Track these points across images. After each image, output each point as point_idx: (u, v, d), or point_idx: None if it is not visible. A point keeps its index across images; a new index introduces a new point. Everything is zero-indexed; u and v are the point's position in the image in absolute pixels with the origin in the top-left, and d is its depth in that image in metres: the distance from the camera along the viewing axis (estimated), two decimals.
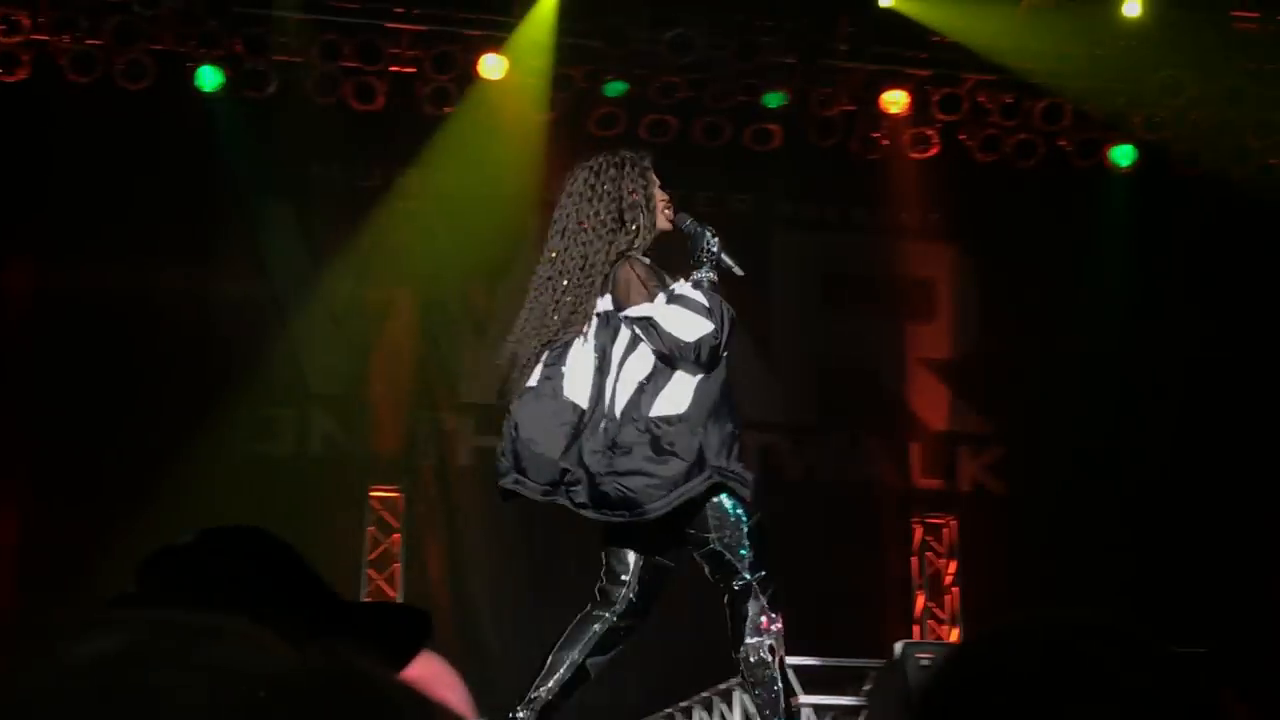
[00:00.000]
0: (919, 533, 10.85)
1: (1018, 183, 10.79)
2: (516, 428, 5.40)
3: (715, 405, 5.23)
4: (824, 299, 11.22)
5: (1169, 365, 10.60)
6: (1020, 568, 9.93)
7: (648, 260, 5.36)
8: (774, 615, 5.25)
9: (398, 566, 10.24)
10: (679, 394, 5.21)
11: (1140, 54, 10.08)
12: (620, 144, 10.22)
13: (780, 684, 5.30)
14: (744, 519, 5.23)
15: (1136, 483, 10.35)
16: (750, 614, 5.24)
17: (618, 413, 5.23)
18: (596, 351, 5.32)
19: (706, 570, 5.33)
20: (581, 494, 5.25)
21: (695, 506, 5.19)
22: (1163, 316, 10.67)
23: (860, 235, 11.31)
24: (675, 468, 5.13)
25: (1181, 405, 10.57)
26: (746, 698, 8.47)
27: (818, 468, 10.99)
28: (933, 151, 10.73)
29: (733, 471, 5.17)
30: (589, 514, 5.32)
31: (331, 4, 9.84)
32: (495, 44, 10.02)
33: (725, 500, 5.20)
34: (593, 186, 5.45)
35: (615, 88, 10.27)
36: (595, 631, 5.42)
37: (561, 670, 5.40)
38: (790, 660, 8.30)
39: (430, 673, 1.96)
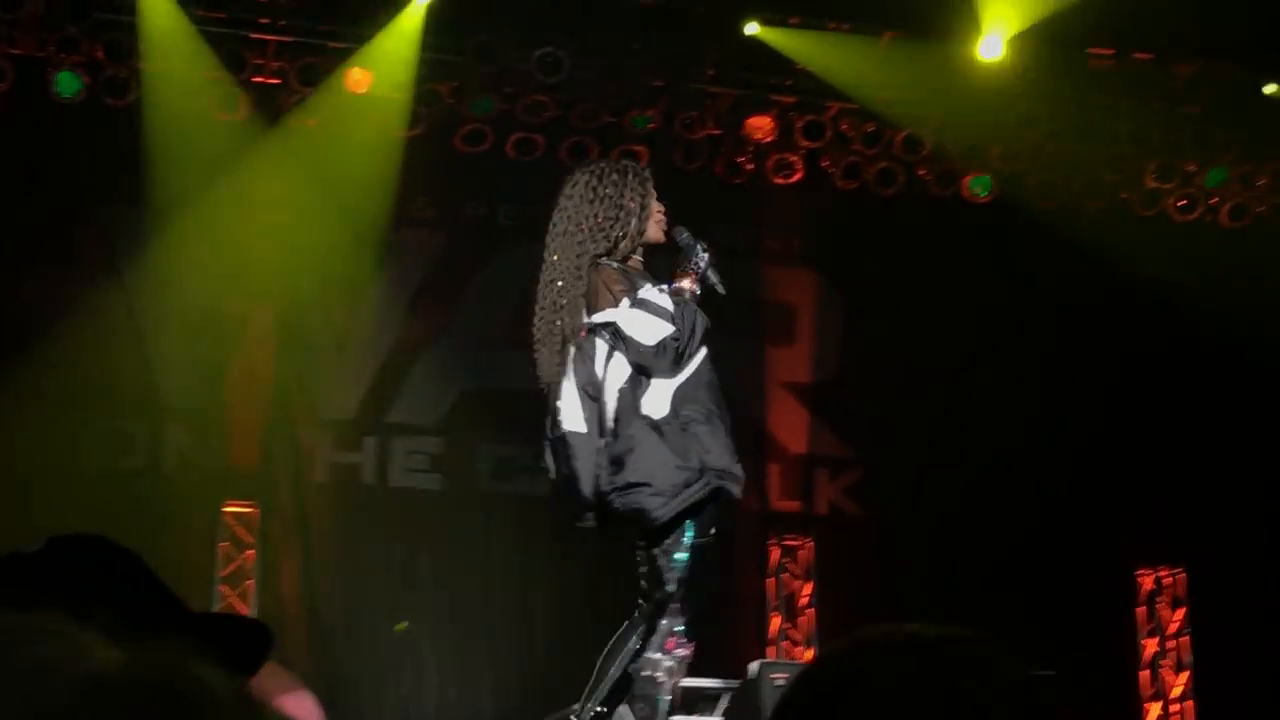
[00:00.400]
0: (776, 554, 10.94)
1: (879, 210, 10.92)
2: (551, 482, 5.51)
3: (705, 406, 5.25)
4: None
5: (1024, 390, 10.79)
6: (876, 589, 10.05)
7: (616, 265, 5.43)
8: (684, 640, 5.22)
9: (251, 583, 10.10)
10: (660, 396, 5.23)
11: (998, 88, 10.27)
12: (485, 161, 10.34)
13: (663, 707, 5.26)
14: (690, 534, 5.22)
15: (990, 504, 10.51)
16: (660, 630, 5.22)
17: (612, 425, 5.28)
18: (578, 376, 5.36)
19: (640, 572, 5.32)
20: (592, 516, 5.33)
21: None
22: (1019, 342, 10.87)
23: (723, 259, 11.34)
24: (672, 472, 5.16)
25: (1035, 429, 10.77)
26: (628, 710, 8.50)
27: None
28: (796, 177, 10.85)
29: (731, 473, 5.17)
30: (608, 532, 5.39)
31: (197, 13, 9.70)
32: (361, 58, 9.95)
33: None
34: (594, 190, 5.54)
35: (482, 105, 10.25)
36: (633, 643, 5.39)
37: (605, 683, 5.34)
38: None
39: (278, 685, 1.95)
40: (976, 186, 10.89)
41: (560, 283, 5.44)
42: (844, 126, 10.73)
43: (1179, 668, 11.14)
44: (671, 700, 5.23)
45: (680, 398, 5.23)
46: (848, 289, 11.29)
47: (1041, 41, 10.09)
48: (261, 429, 10.39)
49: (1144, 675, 11.15)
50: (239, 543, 10.16)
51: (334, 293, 10.51)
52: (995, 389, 10.73)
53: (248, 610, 9.89)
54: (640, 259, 5.57)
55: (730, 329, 11.10)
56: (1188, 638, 11.13)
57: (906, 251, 10.87)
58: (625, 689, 5.38)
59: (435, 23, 9.82)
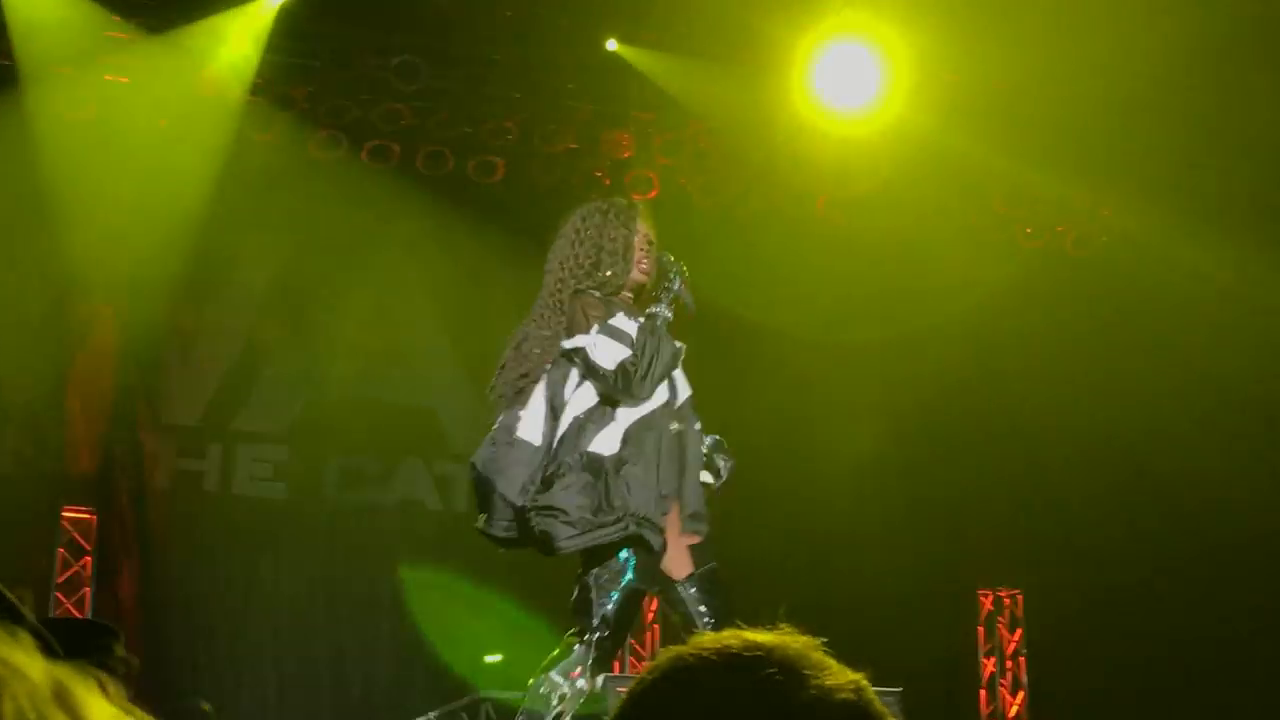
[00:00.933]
0: None
1: (736, 227, 11.01)
2: (474, 469, 5.49)
3: (653, 451, 5.27)
4: None
5: (866, 405, 10.93)
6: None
7: (599, 294, 5.46)
8: (587, 675, 5.22)
9: (88, 590, 9.90)
10: (612, 434, 5.26)
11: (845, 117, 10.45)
12: (353, 167, 10.24)
13: None
14: (629, 574, 5.24)
15: (838, 516, 10.62)
16: (572, 657, 5.22)
17: (555, 447, 5.32)
18: (548, 390, 5.41)
19: (573, 594, 5.31)
20: (509, 528, 5.35)
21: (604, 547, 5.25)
22: (863, 360, 10.99)
23: None
24: (592, 508, 5.18)
25: (881, 443, 10.91)
26: None
27: None
28: (652, 194, 10.90)
29: (650, 521, 5.19)
30: (516, 545, 5.41)
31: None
32: (212, 58, 9.80)
33: (624, 550, 5.25)
34: (577, 230, 5.63)
35: (337, 111, 10.16)
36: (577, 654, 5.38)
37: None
38: (491, 695, 8.35)
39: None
40: (831, 208, 11.03)
41: (536, 318, 5.56)
42: (702, 144, 10.81)
43: (1015, 687, 11.38)
44: None
45: (628, 437, 5.27)
46: (707, 301, 11.32)
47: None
48: (102, 433, 10.20)
49: (983, 694, 11.37)
50: (76, 549, 9.96)
51: (182, 298, 10.35)
52: (842, 403, 10.84)
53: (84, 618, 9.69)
54: (630, 294, 5.63)
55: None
56: (1024, 658, 11.37)
57: (765, 266, 10.96)
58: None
59: (289, 26, 9.72)
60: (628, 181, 10.83)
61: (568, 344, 5.39)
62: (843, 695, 1.36)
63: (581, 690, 5.22)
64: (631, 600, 5.28)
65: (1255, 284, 10.14)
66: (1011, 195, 10.97)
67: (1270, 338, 10.20)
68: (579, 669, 5.22)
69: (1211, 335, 10.40)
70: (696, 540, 5.43)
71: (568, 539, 5.18)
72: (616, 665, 10.53)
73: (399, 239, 11.01)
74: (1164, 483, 10.71)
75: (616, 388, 5.26)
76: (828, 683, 1.36)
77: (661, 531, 5.23)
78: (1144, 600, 10.72)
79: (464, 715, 8.52)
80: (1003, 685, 11.41)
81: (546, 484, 5.26)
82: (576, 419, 5.31)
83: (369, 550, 10.54)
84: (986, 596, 11.54)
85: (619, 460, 5.23)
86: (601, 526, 5.17)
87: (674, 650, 1.41)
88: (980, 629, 11.49)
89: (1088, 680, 10.75)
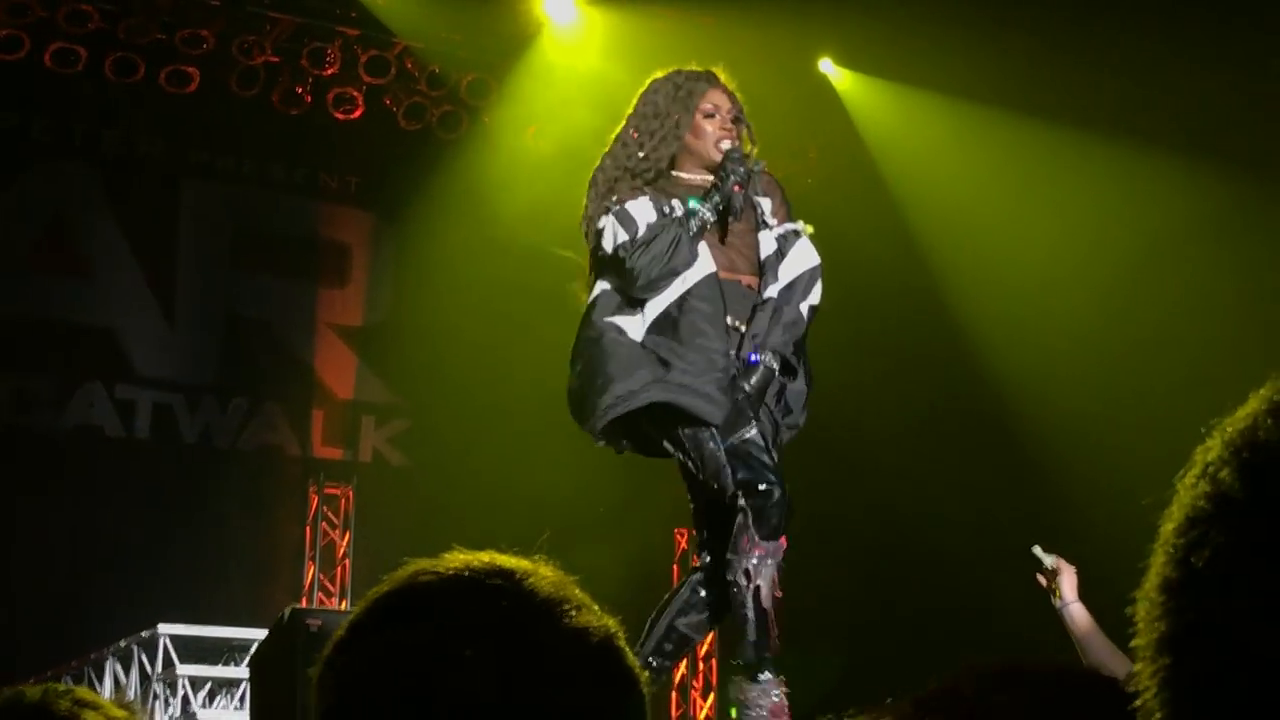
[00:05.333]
0: (315, 502, 10.91)
1: (440, 153, 10.98)
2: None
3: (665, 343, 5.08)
4: (233, 256, 11.11)
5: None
6: (417, 542, 10.11)
7: (631, 176, 5.22)
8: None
9: None
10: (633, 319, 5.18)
11: (569, 46, 10.51)
12: (18, 70, 9.85)
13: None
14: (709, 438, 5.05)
15: (539, 464, 10.72)
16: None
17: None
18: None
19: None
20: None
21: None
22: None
23: (276, 193, 11.26)
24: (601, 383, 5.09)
25: None
26: (119, 668, 8.32)
27: (215, 431, 10.87)
28: (357, 114, 10.80)
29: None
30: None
31: None
32: None
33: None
34: (644, 99, 5.35)
35: (19, 9, 9.76)
36: (681, 595, 5.22)
37: (656, 634, 5.16)
38: (169, 630, 8.25)
39: None
40: (541, 139, 11.08)
41: (588, 197, 5.34)
42: (409, 65, 10.74)
43: (706, 690, 11.60)
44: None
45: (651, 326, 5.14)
46: (404, 232, 11.32)
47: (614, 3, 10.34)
48: None
49: (674, 696, 11.49)
50: None
51: None
52: (556, 343, 10.92)
53: None
54: (689, 175, 5.30)
55: (280, 268, 11.17)
56: (716, 660, 11.44)
57: (467, 197, 10.95)
58: (684, 641, 5.27)
59: None
60: (330, 100, 10.70)
61: (589, 225, 5.28)
62: (597, 636, 1.33)
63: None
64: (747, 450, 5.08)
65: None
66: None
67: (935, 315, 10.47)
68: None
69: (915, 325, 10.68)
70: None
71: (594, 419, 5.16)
72: (305, 603, 10.53)
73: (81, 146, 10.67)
74: (861, 471, 10.85)
75: (617, 274, 5.13)
76: (581, 619, 1.34)
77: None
78: (849, 595, 10.88)
79: (139, 649, 8.38)
80: (694, 689, 11.63)
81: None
82: (590, 302, 5.27)
83: (42, 478, 10.23)
84: (682, 535, 11.76)
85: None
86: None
87: (410, 568, 1.38)
88: (674, 567, 11.68)
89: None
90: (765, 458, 4.98)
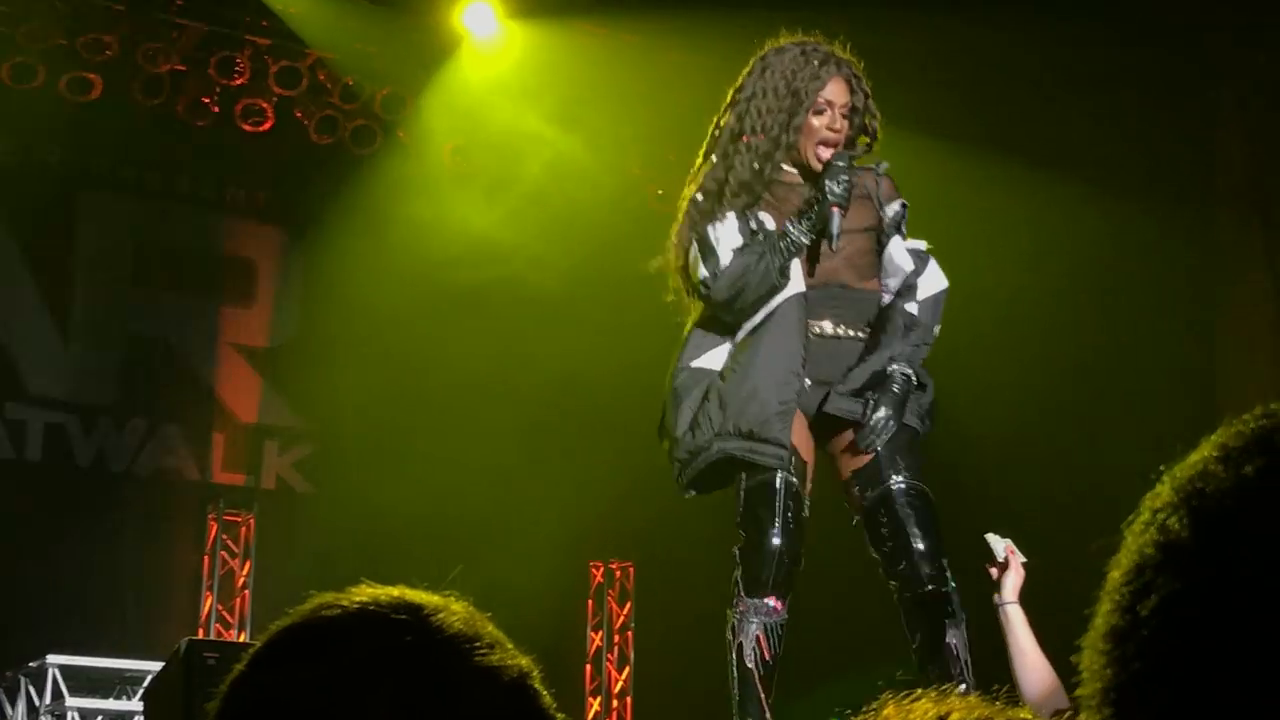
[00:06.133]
0: (214, 530, 10.79)
1: (355, 169, 10.92)
2: None
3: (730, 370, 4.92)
4: (133, 271, 10.97)
5: (482, 366, 11.00)
6: (319, 572, 10.05)
7: (712, 193, 4.95)
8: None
9: None
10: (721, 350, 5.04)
11: (486, 60, 10.49)
12: None
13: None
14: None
15: (445, 487, 10.68)
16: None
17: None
18: None
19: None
20: None
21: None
22: (474, 315, 11.02)
23: (180, 206, 11.14)
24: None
25: (493, 407, 11.00)
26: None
27: (111, 453, 10.72)
28: (266, 126, 10.71)
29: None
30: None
31: None
32: None
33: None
34: (753, 88, 4.98)
35: None
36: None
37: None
38: (58, 660, 8.11)
39: None
40: (458, 157, 11.03)
41: (682, 220, 5.09)
42: (321, 76, 10.67)
43: (622, 663, 11.69)
44: None
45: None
46: (313, 250, 11.23)
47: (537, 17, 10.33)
48: None
49: (588, 669, 11.61)
50: None
51: None
52: (468, 365, 10.88)
53: None
54: (795, 178, 5.00)
55: (183, 285, 11.05)
56: (631, 632, 11.67)
57: (380, 215, 10.89)
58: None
59: None
60: (239, 111, 10.60)
61: (680, 251, 5.03)
62: (509, 675, 1.32)
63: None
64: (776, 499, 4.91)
65: None
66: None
67: None
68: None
69: None
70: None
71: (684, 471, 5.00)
72: (203, 634, 10.40)
73: None
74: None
75: (713, 307, 4.94)
76: (493, 658, 1.32)
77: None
78: None
79: (26, 680, 8.25)
80: (609, 660, 11.69)
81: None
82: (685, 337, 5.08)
83: None
84: (598, 569, 11.79)
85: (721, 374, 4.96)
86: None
87: (314, 602, 1.36)
88: (589, 602, 11.72)
89: (693, 661, 11.07)
90: (775, 503, 4.82)
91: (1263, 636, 0.94)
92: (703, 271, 4.86)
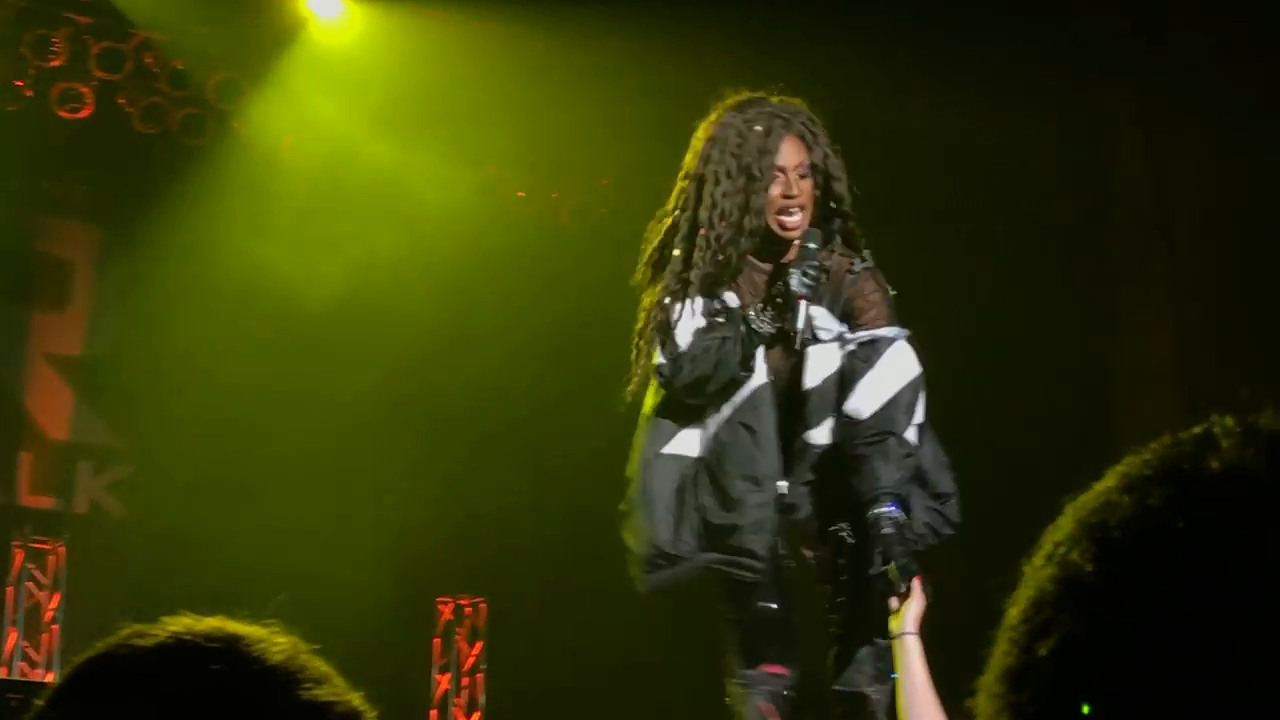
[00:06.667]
0: (20, 559, 10.61)
1: (183, 162, 10.80)
2: None
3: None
4: None
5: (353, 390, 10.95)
6: (137, 606, 9.90)
7: (674, 281, 4.90)
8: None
9: None
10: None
11: (331, 46, 10.47)
12: None
13: None
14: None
15: (283, 515, 10.60)
16: None
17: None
18: None
19: None
20: None
21: None
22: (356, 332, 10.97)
23: None
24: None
25: (383, 435, 10.95)
26: None
27: None
28: (85, 113, 10.58)
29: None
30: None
31: None
32: None
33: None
34: (706, 168, 4.92)
35: None
36: None
37: None
38: None
39: None
40: (299, 151, 10.97)
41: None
42: (148, 60, 10.56)
43: (471, 708, 11.60)
44: None
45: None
46: (137, 250, 11.08)
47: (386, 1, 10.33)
48: None
49: (433, 715, 11.52)
50: None
51: None
52: (301, 379, 10.80)
53: None
54: (760, 259, 4.97)
55: None
56: (482, 675, 11.59)
57: (211, 213, 10.78)
58: None
59: None
60: (55, 95, 10.45)
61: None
62: (337, 712, 1.32)
63: None
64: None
65: None
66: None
67: None
68: None
69: None
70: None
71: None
72: (4, 672, 10.22)
73: None
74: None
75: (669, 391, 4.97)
76: (319, 693, 1.31)
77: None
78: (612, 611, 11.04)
79: None
80: (457, 705, 11.61)
81: None
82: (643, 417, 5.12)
83: None
84: (446, 605, 11.72)
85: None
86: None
87: (122, 633, 1.35)
88: (436, 641, 11.66)
89: (550, 707, 11.05)
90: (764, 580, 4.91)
91: (1170, 678, 0.94)
92: (660, 356, 4.86)
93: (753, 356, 4.85)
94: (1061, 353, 10.48)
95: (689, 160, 4.94)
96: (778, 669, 4.86)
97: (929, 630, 4.52)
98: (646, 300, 4.98)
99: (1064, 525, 1.08)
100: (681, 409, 4.97)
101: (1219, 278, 10.37)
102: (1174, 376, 10.31)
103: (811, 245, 4.79)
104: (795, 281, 4.75)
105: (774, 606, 4.88)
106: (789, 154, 4.83)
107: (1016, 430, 10.08)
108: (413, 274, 10.88)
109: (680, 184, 4.97)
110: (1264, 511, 1.00)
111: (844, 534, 4.82)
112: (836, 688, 4.85)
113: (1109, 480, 1.09)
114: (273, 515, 10.33)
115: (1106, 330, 10.88)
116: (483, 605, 11.75)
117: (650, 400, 5.04)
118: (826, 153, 4.90)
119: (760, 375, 4.90)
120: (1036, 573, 1.06)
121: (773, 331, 4.84)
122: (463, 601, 11.77)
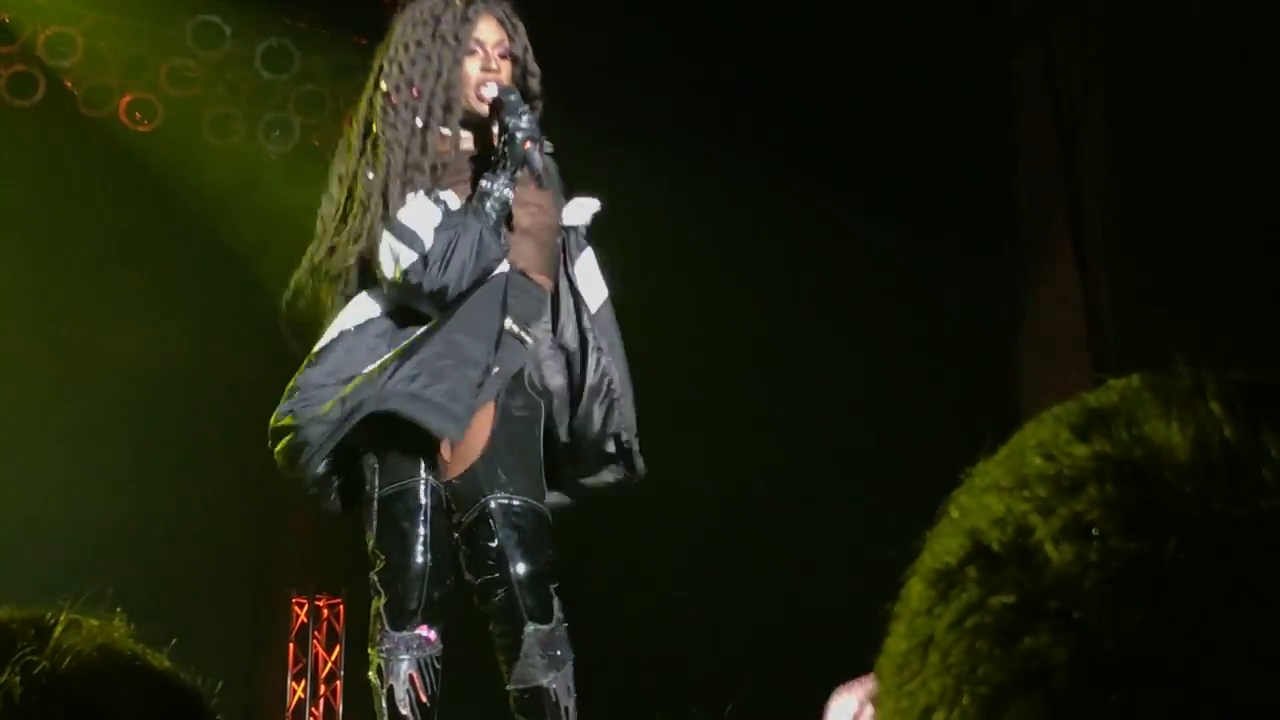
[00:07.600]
0: None
1: (9, 126, 10.64)
2: None
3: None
4: None
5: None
6: None
7: (388, 170, 4.81)
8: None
9: None
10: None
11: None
12: None
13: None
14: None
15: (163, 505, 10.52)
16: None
17: None
18: None
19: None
20: None
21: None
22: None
23: None
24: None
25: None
26: None
27: None
28: None
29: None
30: None
31: None
32: None
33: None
34: (396, 54, 4.95)
35: None
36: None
37: None
38: None
39: None
40: (137, 110, 10.84)
41: (340, 217, 5.10)
42: None
43: (328, 717, 11.51)
44: None
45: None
46: None
47: None
48: None
49: None
50: None
51: None
52: (124, 360, 10.73)
53: None
54: (469, 144, 4.94)
55: None
56: (340, 682, 11.45)
57: (39, 182, 10.61)
58: None
59: None
60: None
61: (353, 254, 4.98)
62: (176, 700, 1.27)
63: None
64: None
65: None
66: None
67: None
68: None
69: None
70: None
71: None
72: None
73: None
74: None
75: (411, 301, 4.83)
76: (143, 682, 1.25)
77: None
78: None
79: None
80: (313, 714, 11.51)
81: None
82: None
83: None
84: (301, 605, 11.61)
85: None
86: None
87: None
88: (291, 645, 11.55)
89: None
90: (419, 515, 4.87)
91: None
92: (407, 257, 4.75)
93: (501, 230, 4.84)
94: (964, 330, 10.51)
95: (385, 40, 5.01)
96: (431, 635, 4.91)
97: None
98: (345, 176, 4.98)
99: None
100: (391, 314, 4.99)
101: (1130, 252, 10.42)
102: (1080, 355, 10.36)
103: (511, 97, 4.86)
104: (512, 126, 4.76)
105: (432, 561, 4.99)
106: (488, 30, 4.95)
107: (919, 414, 10.12)
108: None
109: (377, 62, 5.01)
110: None
111: None
112: (511, 687, 4.86)
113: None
114: (96, 494, 10.31)
115: (1011, 307, 10.93)
116: (341, 605, 11.65)
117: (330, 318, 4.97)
118: (527, 46, 5.03)
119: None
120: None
121: (511, 191, 4.80)
122: (319, 601, 11.67)
